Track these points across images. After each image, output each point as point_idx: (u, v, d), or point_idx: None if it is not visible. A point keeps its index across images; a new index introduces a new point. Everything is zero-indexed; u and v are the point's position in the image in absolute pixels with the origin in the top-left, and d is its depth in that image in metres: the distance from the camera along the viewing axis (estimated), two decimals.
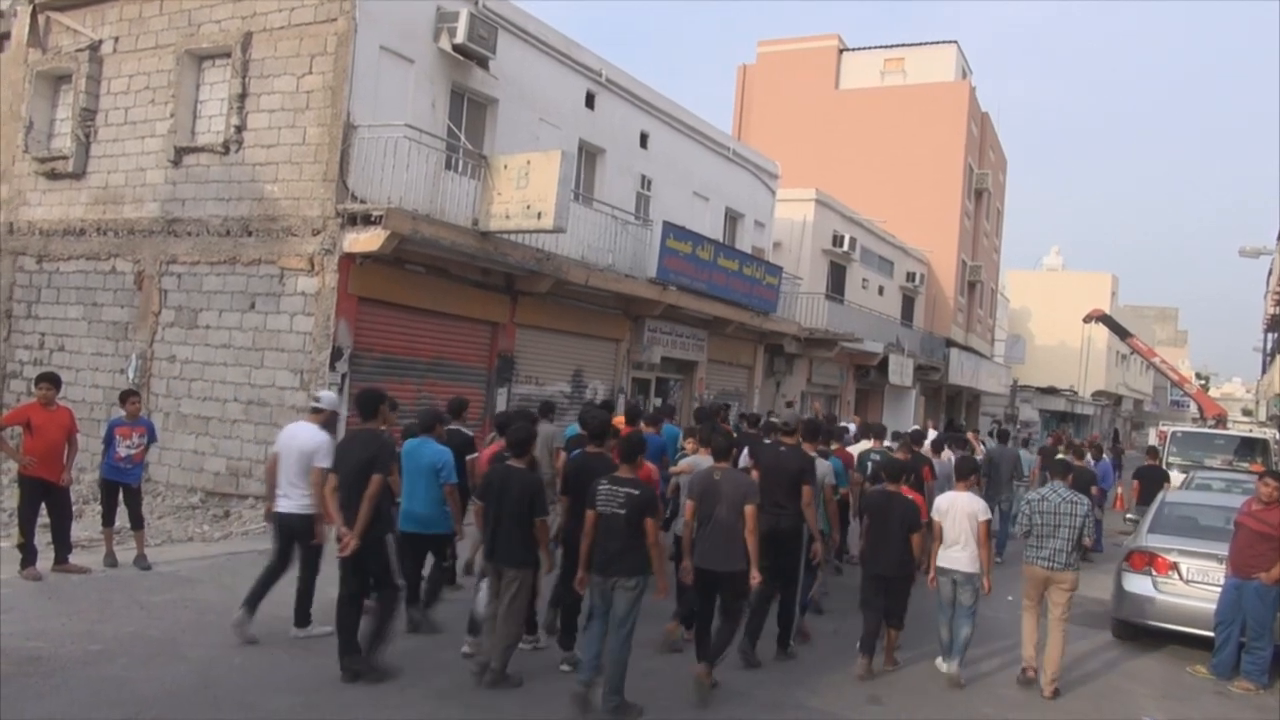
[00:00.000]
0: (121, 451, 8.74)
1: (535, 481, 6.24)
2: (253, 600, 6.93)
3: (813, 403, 24.29)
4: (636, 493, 5.92)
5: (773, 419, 12.22)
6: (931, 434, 14.72)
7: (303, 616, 7.09)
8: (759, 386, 22.30)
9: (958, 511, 7.39)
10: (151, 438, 9.16)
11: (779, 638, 7.55)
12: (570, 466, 6.85)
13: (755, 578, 6.40)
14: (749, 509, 6.31)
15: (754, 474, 7.40)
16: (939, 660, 7.71)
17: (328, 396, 7.38)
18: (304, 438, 6.87)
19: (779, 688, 6.92)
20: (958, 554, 7.37)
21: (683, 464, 8.07)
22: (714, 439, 7.04)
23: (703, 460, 7.46)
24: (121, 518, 8.86)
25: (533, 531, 6.18)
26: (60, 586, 7.96)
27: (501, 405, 14.07)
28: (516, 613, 6.24)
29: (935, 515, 7.55)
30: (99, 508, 9.15)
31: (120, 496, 8.83)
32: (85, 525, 9.92)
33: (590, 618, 6.22)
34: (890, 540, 7.32)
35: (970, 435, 16.67)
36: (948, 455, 12.16)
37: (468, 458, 7.85)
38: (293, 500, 6.88)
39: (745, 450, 8.31)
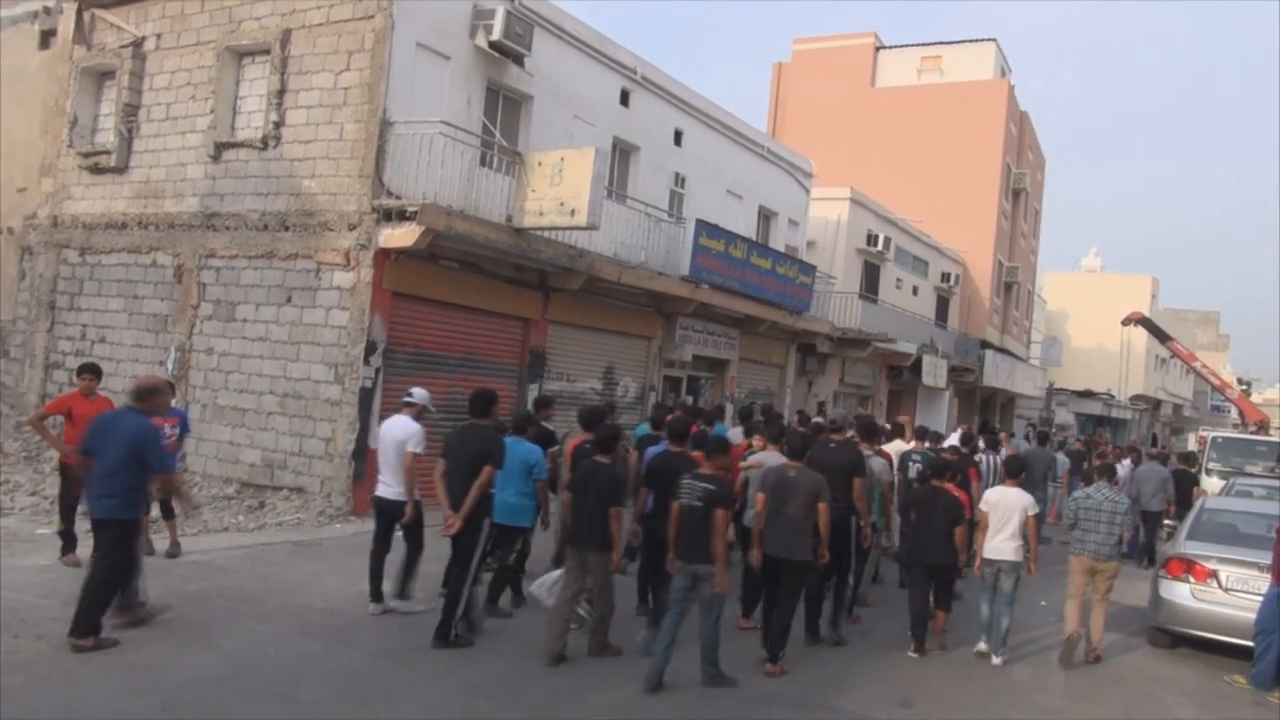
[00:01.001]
0: None
1: (617, 476, 7.03)
2: (376, 587, 7.62)
3: (859, 408, 24.06)
4: (712, 488, 6.56)
5: (818, 419, 12.52)
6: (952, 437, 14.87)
7: (402, 589, 7.64)
8: (791, 386, 22.20)
9: (1007, 505, 8.08)
10: (184, 429, 9.29)
11: (830, 619, 8.12)
12: (655, 464, 7.64)
13: (825, 557, 7.30)
14: (822, 505, 7.09)
15: None
16: (980, 644, 8.14)
17: (419, 392, 8.09)
18: (397, 429, 7.63)
19: (808, 688, 6.89)
20: (1003, 544, 8.02)
21: (752, 460, 8.44)
22: (791, 439, 7.70)
23: (771, 457, 7.95)
24: (156, 507, 9.00)
25: (605, 520, 6.80)
26: None
27: (533, 402, 14.14)
28: (606, 590, 6.97)
29: (984, 507, 8.25)
30: None
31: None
32: None
33: (657, 609, 7.10)
34: (934, 532, 8.00)
35: (1002, 436, 16.78)
36: (979, 456, 12.23)
37: (549, 450, 8.28)
38: (391, 488, 7.56)
39: None
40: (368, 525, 7.99)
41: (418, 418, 7.74)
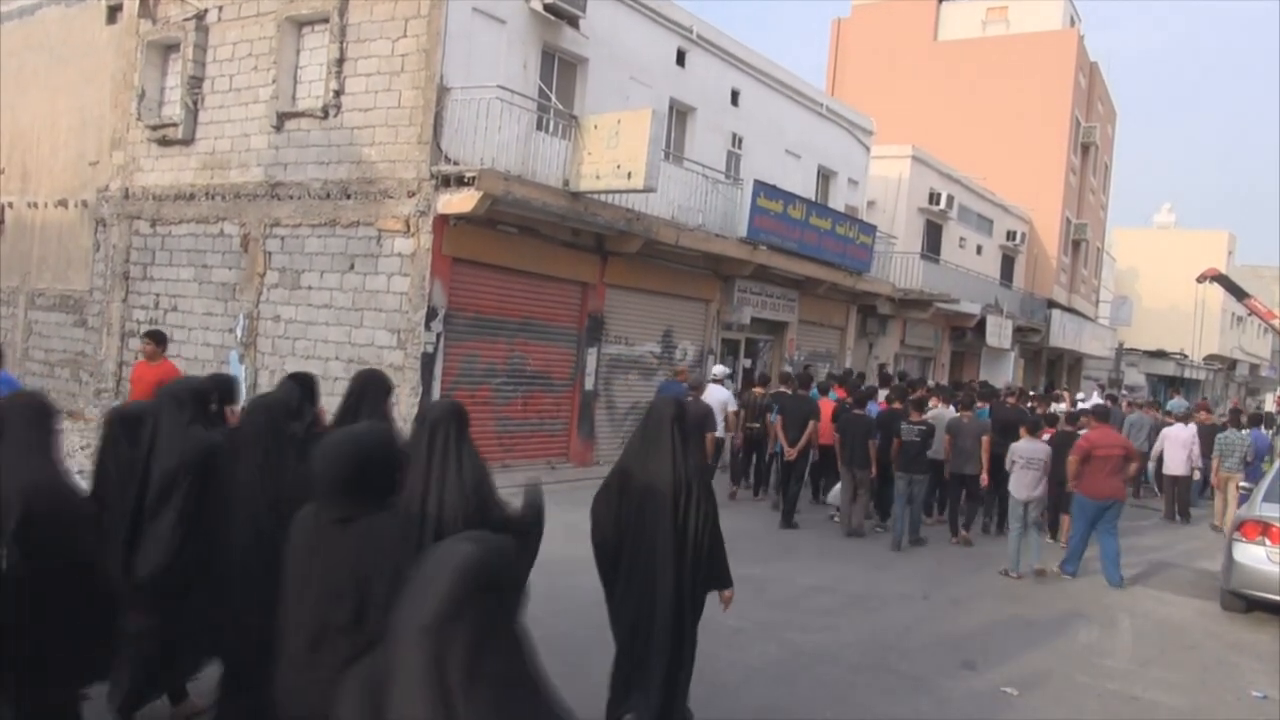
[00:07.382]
0: None
1: (869, 421, 11.06)
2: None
3: (972, 378, 23.75)
4: (926, 428, 10.82)
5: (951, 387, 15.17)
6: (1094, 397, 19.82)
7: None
8: (851, 348, 21.95)
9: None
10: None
11: (984, 524, 12.11)
12: (881, 417, 11.23)
13: (985, 480, 11.15)
14: (985, 439, 11.13)
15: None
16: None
17: (721, 369, 13.59)
18: (716, 394, 12.32)
19: (869, 650, 6.89)
20: None
21: (929, 414, 11.74)
22: (962, 396, 12.25)
23: (945, 411, 11.98)
24: None
25: (868, 450, 10.82)
26: None
27: (591, 366, 14.25)
28: (864, 493, 11.19)
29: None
30: None
31: None
32: None
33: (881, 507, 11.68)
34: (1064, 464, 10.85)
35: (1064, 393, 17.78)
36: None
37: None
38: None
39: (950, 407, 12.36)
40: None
41: (723, 385, 12.69)
